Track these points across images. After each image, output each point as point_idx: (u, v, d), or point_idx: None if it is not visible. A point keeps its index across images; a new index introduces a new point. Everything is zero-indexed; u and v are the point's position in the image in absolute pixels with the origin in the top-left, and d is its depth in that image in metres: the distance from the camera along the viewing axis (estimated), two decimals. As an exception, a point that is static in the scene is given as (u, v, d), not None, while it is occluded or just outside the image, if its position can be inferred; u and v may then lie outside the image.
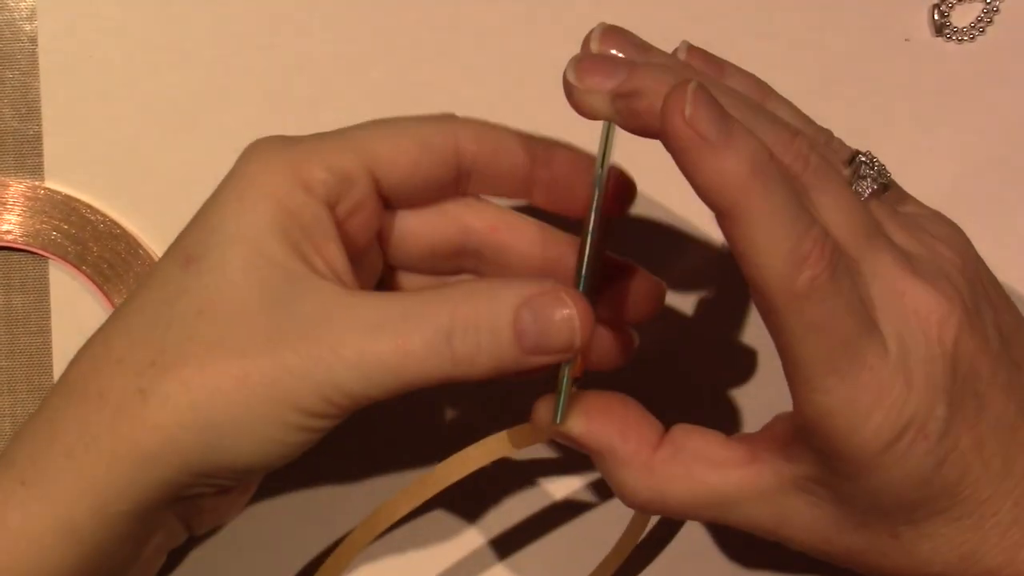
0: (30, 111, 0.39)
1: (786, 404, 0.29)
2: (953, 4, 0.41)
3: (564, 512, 0.41)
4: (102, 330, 0.30)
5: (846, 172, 0.30)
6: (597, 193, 0.29)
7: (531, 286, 0.28)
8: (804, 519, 0.30)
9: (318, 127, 0.40)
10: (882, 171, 0.30)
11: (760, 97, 0.31)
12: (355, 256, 0.30)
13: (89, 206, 0.39)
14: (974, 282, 0.29)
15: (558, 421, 0.30)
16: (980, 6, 0.41)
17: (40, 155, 0.39)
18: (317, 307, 0.28)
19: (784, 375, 0.28)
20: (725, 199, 0.25)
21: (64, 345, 0.40)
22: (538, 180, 0.32)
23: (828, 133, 0.32)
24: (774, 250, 0.25)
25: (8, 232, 0.39)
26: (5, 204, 0.39)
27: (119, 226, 0.39)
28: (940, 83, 0.41)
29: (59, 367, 0.40)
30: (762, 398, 0.41)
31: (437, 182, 0.31)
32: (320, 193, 0.29)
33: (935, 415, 0.27)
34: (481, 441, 0.32)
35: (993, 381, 0.28)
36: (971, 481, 0.28)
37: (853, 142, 0.32)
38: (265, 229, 0.28)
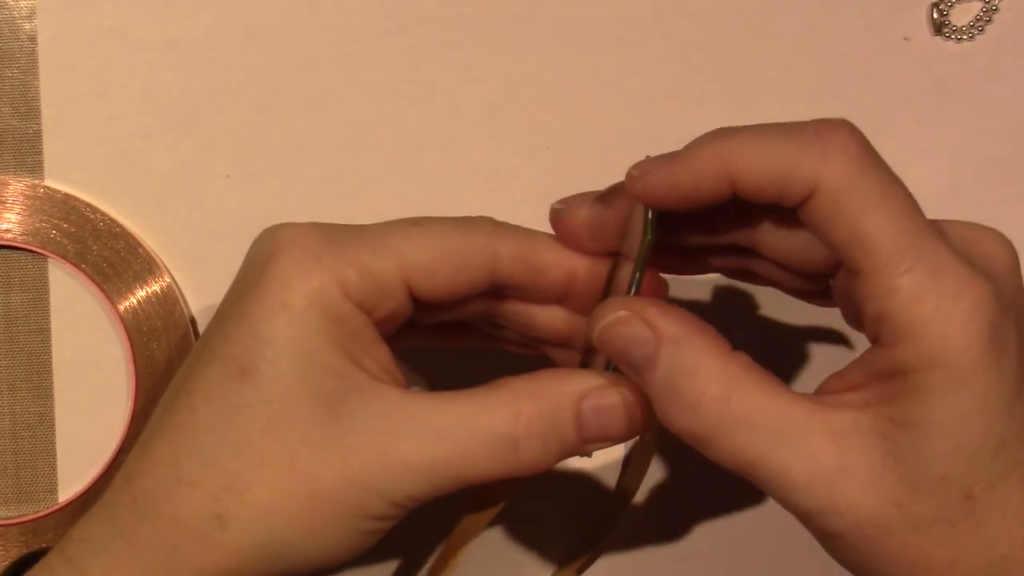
0: (30, 110, 0.39)
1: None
2: (952, 3, 0.41)
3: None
4: (163, 442, 0.29)
5: None
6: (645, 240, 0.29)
7: (589, 380, 0.29)
8: (874, 471, 0.27)
9: (318, 127, 0.40)
10: None
11: None
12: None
13: (88, 205, 0.39)
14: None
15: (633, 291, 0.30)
16: (979, 5, 0.41)
17: (40, 154, 0.39)
18: (378, 414, 0.28)
19: (849, 293, 0.28)
20: None
21: (63, 344, 0.40)
22: (574, 296, 0.32)
23: None
24: None
25: (8, 231, 0.39)
26: (4, 203, 0.39)
27: (118, 225, 0.39)
28: (939, 82, 0.41)
29: (58, 365, 0.40)
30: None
31: (470, 292, 0.31)
32: (359, 301, 0.29)
33: (1010, 328, 0.26)
34: None
35: None
36: None
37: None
38: (317, 339, 0.28)
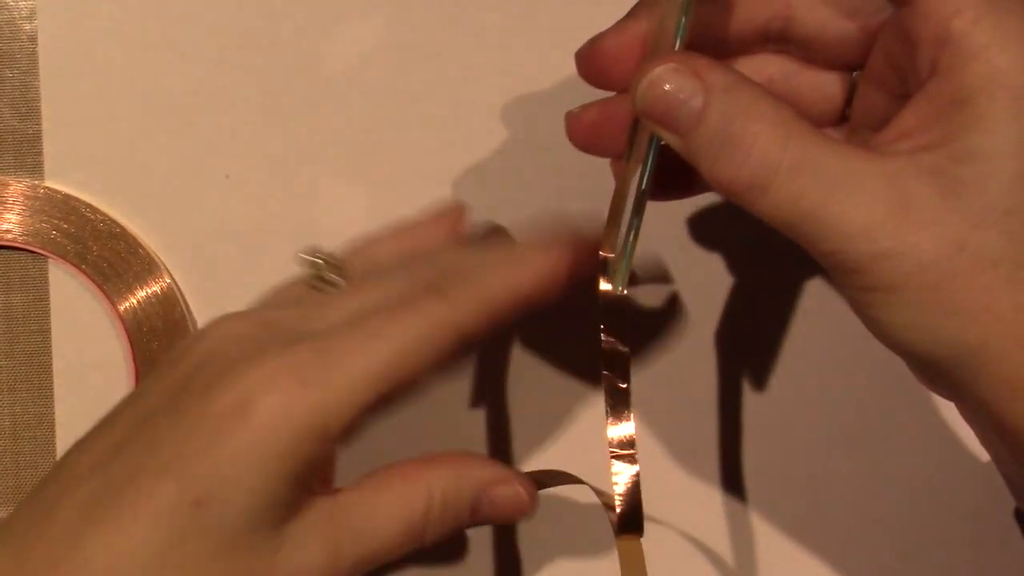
0: (30, 110, 0.39)
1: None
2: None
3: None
4: (100, 543, 0.28)
5: None
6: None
7: (486, 473, 0.32)
8: (935, 211, 0.26)
9: (318, 126, 0.40)
10: None
11: None
12: None
13: (89, 205, 0.39)
14: None
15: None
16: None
17: (40, 154, 0.39)
18: (317, 529, 0.30)
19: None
20: None
21: (64, 344, 0.40)
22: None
23: None
24: None
25: (8, 231, 0.39)
26: (5, 203, 0.39)
27: (119, 225, 0.39)
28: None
29: (59, 366, 0.40)
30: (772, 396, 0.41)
31: (445, 365, 0.31)
32: (337, 438, 0.29)
33: None
34: None
35: None
36: None
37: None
38: (281, 483, 0.28)
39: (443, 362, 0.30)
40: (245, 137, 0.40)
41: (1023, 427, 0.26)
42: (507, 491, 0.32)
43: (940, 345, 0.26)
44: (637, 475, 0.30)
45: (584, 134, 0.32)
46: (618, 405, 0.30)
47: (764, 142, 0.26)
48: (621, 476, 0.30)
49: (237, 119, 0.40)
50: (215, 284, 0.40)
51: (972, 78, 0.25)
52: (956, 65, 0.26)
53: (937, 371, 0.27)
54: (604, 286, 0.31)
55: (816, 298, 0.41)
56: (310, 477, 0.29)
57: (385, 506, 0.31)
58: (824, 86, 0.31)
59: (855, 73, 0.30)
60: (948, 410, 0.42)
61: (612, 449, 0.30)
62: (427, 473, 0.31)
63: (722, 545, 0.41)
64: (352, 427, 0.29)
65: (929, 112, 0.26)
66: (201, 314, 0.40)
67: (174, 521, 0.28)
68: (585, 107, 0.32)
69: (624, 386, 0.30)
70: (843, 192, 0.26)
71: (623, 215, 0.30)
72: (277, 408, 0.28)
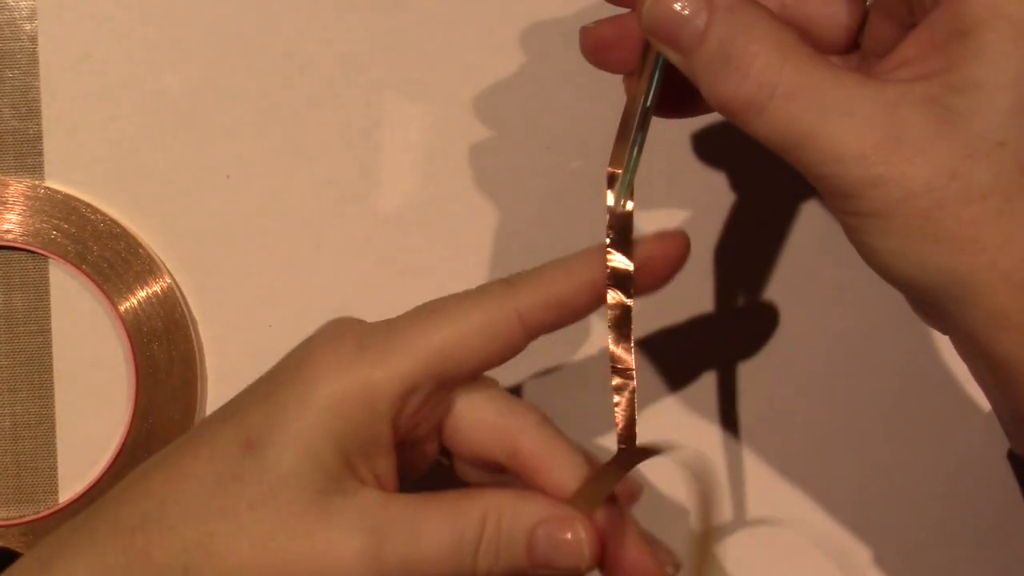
0: (30, 110, 0.39)
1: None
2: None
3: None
4: (160, 477, 0.30)
5: None
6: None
7: (548, 508, 0.30)
8: (928, 138, 0.26)
9: (317, 126, 0.40)
10: None
11: None
12: (413, 442, 0.32)
13: (89, 205, 0.39)
14: None
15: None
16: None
17: (40, 154, 0.39)
18: (360, 514, 0.29)
19: None
20: None
21: (64, 344, 0.40)
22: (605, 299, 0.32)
23: None
24: None
25: (8, 231, 0.39)
26: (5, 203, 0.39)
27: (119, 225, 0.39)
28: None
29: (59, 366, 0.40)
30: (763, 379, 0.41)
31: (505, 358, 0.31)
32: (386, 409, 0.30)
33: None
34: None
35: None
36: None
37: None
38: (322, 439, 0.29)
39: (503, 351, 0.31)
40: (245, 137, 0.40)
41: (1009, 359, 0.26)
42: (566, 530, 0.30)
43: (927, 273, 0.26)
44: (634, 391, 0.31)
45: (597, 49, 0.31)
46: (621, 321, 0.31)
47: (762, 63, 0.27)
48: (622, 391, 0.31)
49: (237, 119, 0.40)
50: (215, 284, 0.40)
51: (973, 9, 0.25)
52: None
53: (927, 301, 0.27)
54: (610, 200, 0.31)
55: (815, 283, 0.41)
56: (357, 452, 0.30)
57: (437, 514, 0.30)
58: (837, 14, 0.31)
59: (868, 1, 0.30)
60: (948, 410, 0.42)
61: (613, 364, 0.31)
62: (485, 494, 0.31)
63: (722, 545, 0.41)
64: (403, 400, 0.30)
65: (929, 42, 0.27)
66: (201, 314, 0.40)
67: (225, 462, 0.29)
68: (599, 22, 0.31)
69: (628, 302, 0.30)
70: (838, 117, 0.26)
71: (630, 132, 0.30)
72: (330, 366, 0.30)
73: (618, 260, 0.31)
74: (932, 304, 0.27)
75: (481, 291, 0.31)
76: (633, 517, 0.33)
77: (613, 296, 0.31)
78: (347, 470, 0.30)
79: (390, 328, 0.31)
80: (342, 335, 0.31)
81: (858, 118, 0.26)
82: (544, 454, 0.32)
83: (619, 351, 0.31)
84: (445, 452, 0.33)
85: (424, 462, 0.33)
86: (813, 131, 0.26)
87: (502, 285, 0.31)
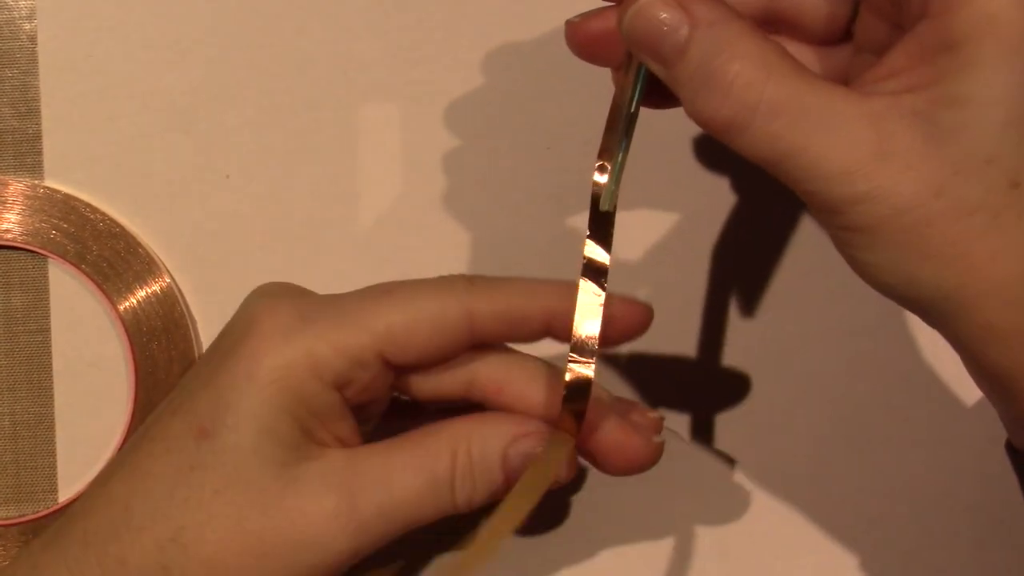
0: (29, 110, 0.39)
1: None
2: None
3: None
4: (120, 482, 0.30)
5: None
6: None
7: (515, 427, 0.30)
8: (915, 154, 0.25)
9: (317, 127, 0.40)
10: None
11: None
12: (362, 404, 0.31)
13: (88, 205, 0.39)
14: None
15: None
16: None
17: (39, 154, 0.39)
18: (327, 475, 0.29)
19: None
20: None
21: (63, 344, 0.40)
22: (554, 333, 0.32)
23: None
24: None
25: (7, 231, 0.39)
26: (4, 203, 0.39)
27: (118, 225, 0.39)
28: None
29: (58, 365, 0.40)
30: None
31: (449, 354, 0.31)
32: (331, 381, 0.30)
33: None
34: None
35: None
36: None
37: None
38: (275, 412, 0.29)
39: (448, 347, 0.31)
40: (245, 137, 0.40)
41: (1000, 370, 0.26)
42: (533, 441, 0.30)
43: (916, 287, 0.26)
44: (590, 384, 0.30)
45: (584, 43, 0.31)
46: (587, 309, 0.30)
47: (744, 81, 0.26)
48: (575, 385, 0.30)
49: (237, 119, 0.40)
50: (215, 284, 0.40)
51: (963, 23, 0.25)
52: (948, 8, 0.25)
53: (917, 312, 0.27)
54: (598, 181, 0.31)
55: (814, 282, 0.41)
56: (312, 420, 0.29)
57: (405, 458, 0.30)
58: (827, 5, 0.30)
59: None
60: (947, 409, 0.42)
61: (571, 355, 0.29)
62: (449, 427, 0.31)
63: (721, 545, 0.41)
64: (349, 374, 0.30)
65: (918, 53, 0.26)
66: (201, 314, 0.40)
67: (182, 454, 0.29)
68: (584, 16, 0.31)
69: (599, 294, 0.30)
70: (822, 133, 0.26)
71: (619, 124, 0.30)
72: (272, 339, 0.29)
73: (595, 251, 0.30)
74: (923, 314, 0.27)
75: (440, 282, 0.31)
76: (607, 395, 0.32)
77: (585, 286, 0.30)
78: (305, 437, 0.29)
79: (340, 302, 0.31)
80: (277, 304, 0.30)
81: (843, 134, 0.26)
82: (503, 376, 0.31)
83: (585, 334, 0.30)
84: None
85: (379, 410, 0.33)
86: (797, 149, 0.26)
87: (463, 281, 0.31)
